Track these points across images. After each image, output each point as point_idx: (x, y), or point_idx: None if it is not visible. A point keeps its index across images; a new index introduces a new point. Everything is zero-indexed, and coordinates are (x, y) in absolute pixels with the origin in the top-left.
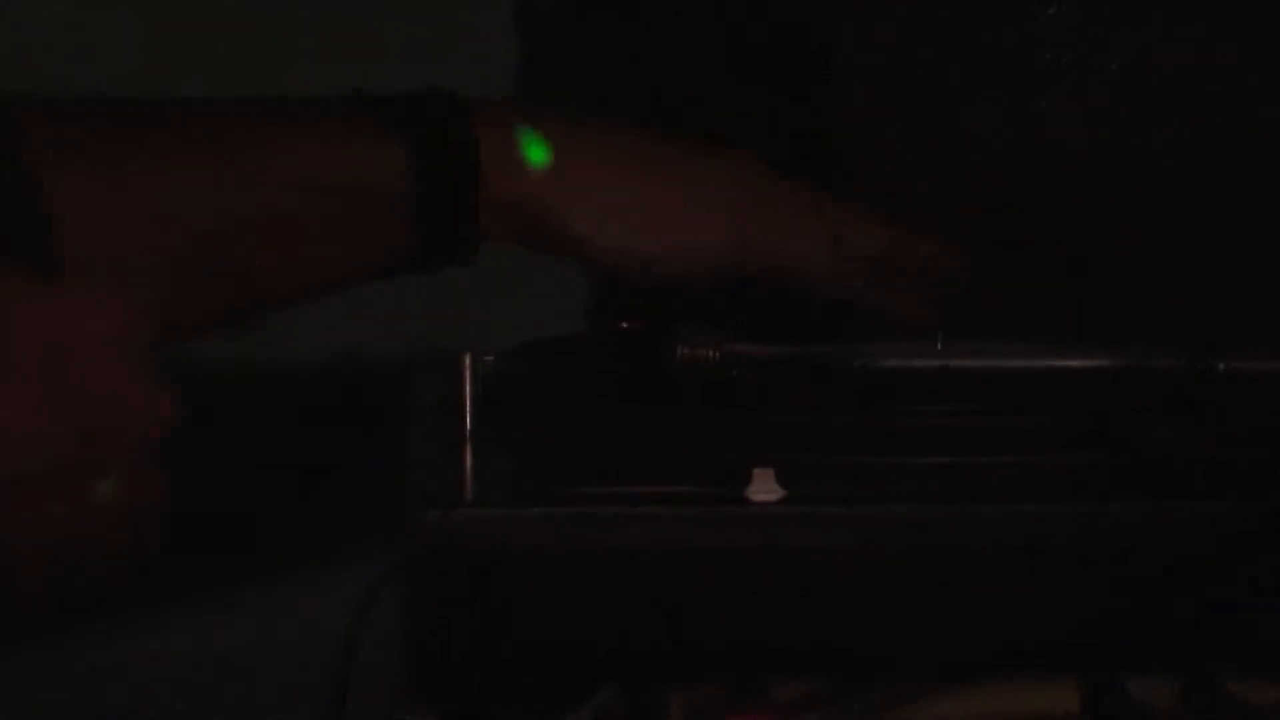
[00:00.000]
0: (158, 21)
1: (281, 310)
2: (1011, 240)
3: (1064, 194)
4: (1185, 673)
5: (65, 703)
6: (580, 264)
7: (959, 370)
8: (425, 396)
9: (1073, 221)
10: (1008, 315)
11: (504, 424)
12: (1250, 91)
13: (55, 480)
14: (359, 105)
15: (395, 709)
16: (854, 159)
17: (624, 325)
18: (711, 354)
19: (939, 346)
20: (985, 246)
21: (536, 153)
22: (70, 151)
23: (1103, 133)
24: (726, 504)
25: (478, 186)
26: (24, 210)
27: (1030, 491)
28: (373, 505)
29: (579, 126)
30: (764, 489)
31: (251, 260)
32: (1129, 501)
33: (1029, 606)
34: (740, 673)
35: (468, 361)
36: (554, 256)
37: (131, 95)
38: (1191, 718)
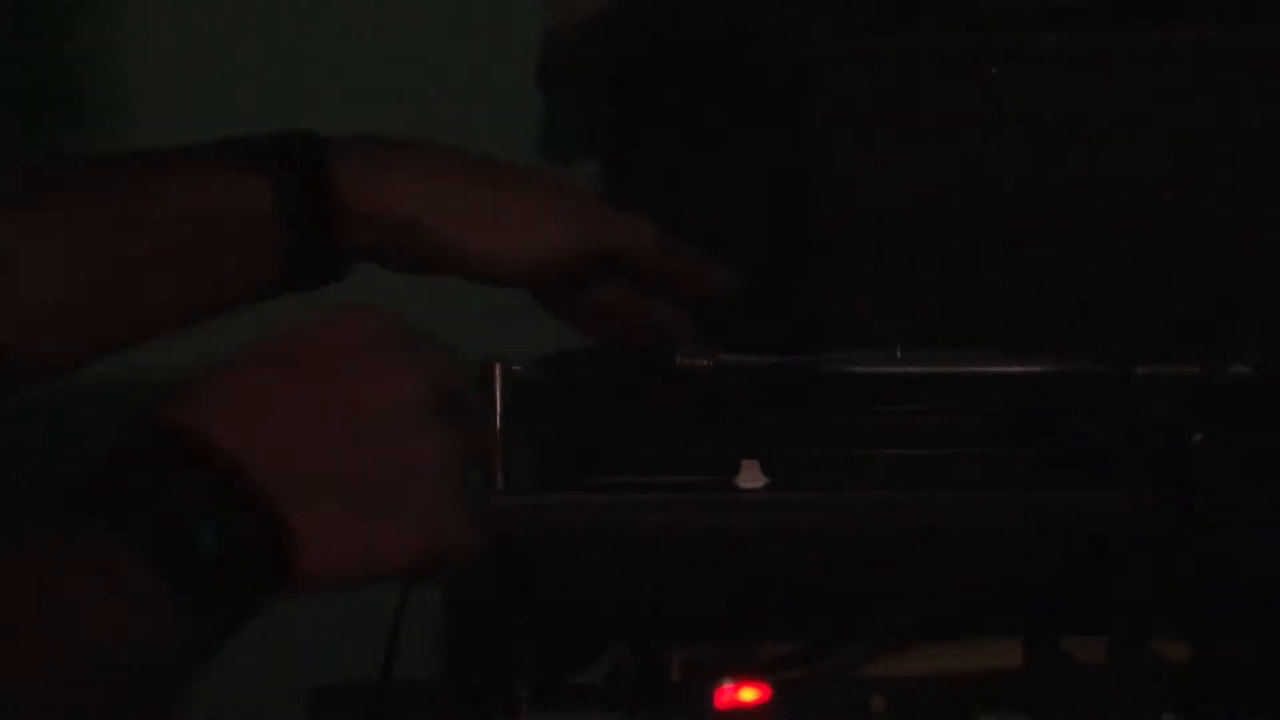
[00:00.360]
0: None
1: (167, 335)
2: (964, 264)
3: (1007, 225)
4: (1111, 632)
5: None
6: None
7: (917, 375)
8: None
9: (1014, 247)
10: (961, 328)
11: (529, 424)
12: (1156, 133)
13: None
14: (230, 148)
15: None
16: (826, 199)
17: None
18: (706, 363)
19: (899, 355)
20: (944, 270)
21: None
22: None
23: (1037, 171)
24: (719, 490)
25: (334, 207)
26: None
27: (976, 479)
28: None
29: (436, 151)
30: (750, 477)
31: (142, 293)
32: (1060, 489)
33: (979, 577)
34: (732, 635)
35: (498, 370)
36: (421, 273)
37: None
38: (1120, 671)
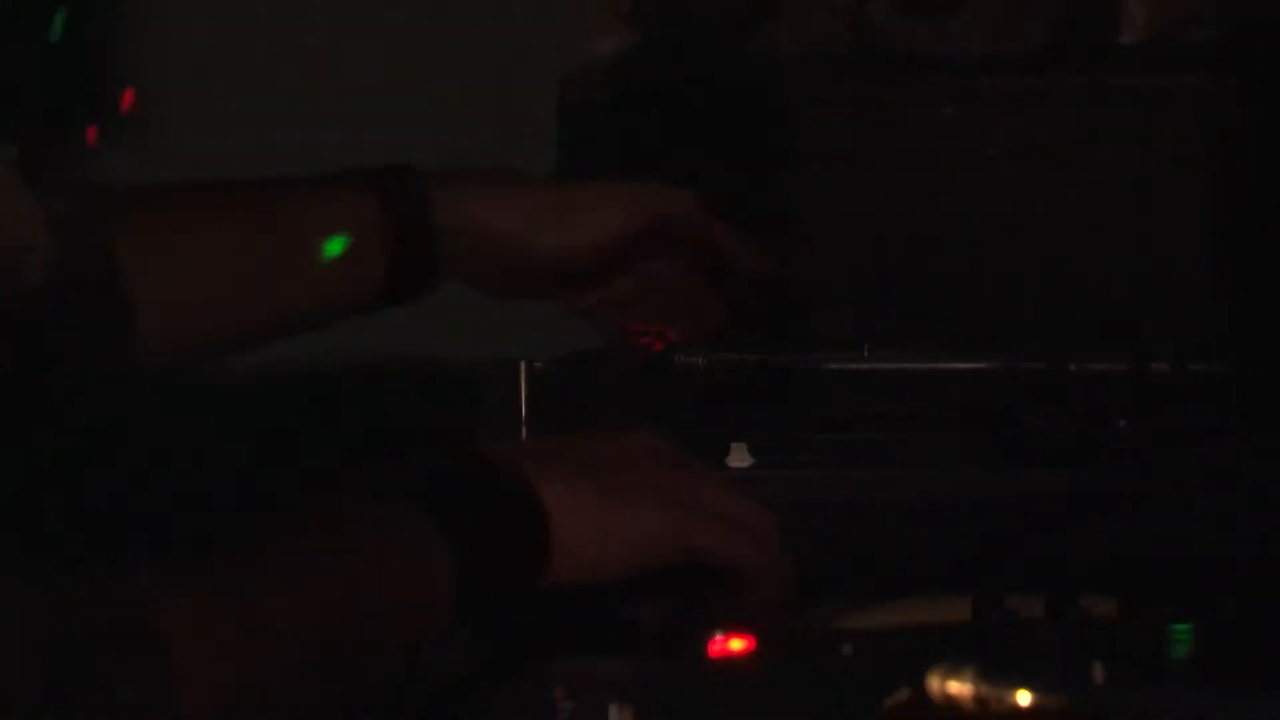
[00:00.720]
0: None
1: (277, 341)
2: (921, 277)
3: (958, 243)
4: (1048, 591)
5: None
6: (514, 275)
7: (881, 371)
8: (493, 391)
9: (964, 262)
10: (919, 332)
11: (549, 414)
12: (1083, 163)
13: None
14: (343, 175)
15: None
16: (806, 222)
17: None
18: (700, 361)
19: (866, 354)
20: (905, 282)
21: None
22: (144, 231)
23: (983, 197)
24: (712, 470)
25: (429, 222)
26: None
27: (932, 460)
28: None
29: (506, 174)
30: (739, 458)
31: (268, 295)
32: (1004, 467)
33: (934, 543)
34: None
35: (523, 368)
36: (503, 292)
37: None
38: (1056, 624)
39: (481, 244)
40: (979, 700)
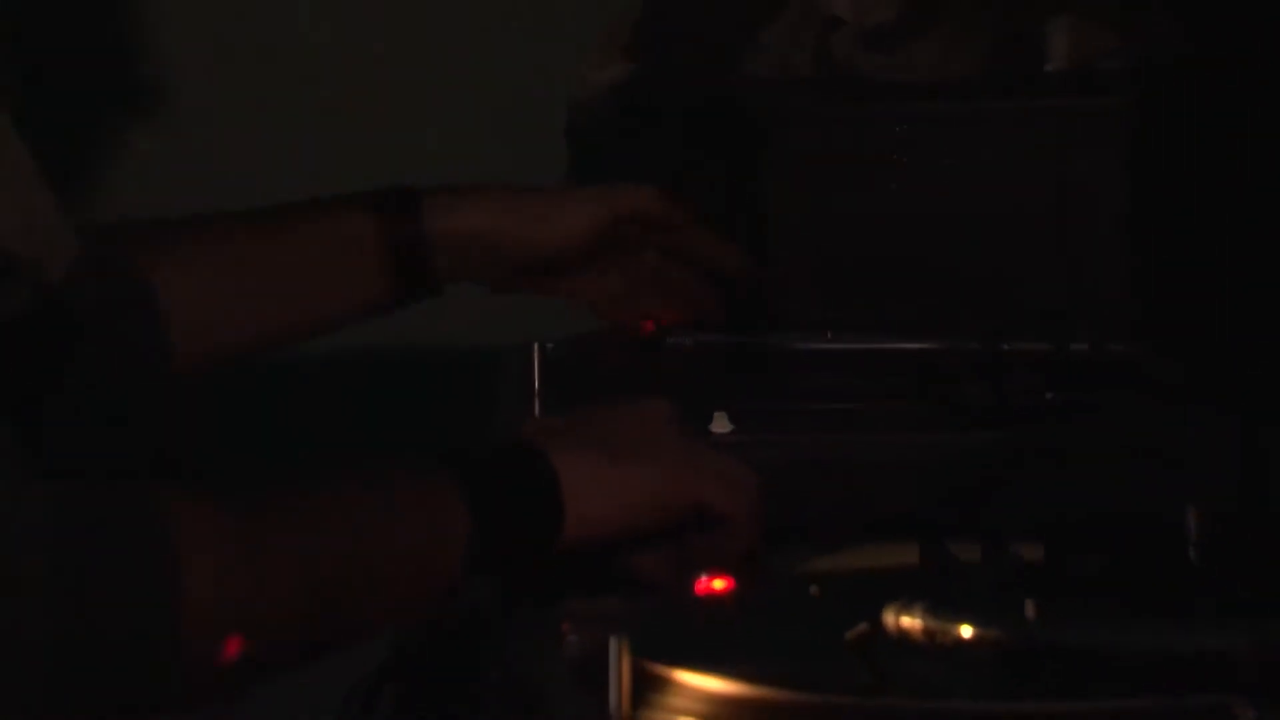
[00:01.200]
0: None
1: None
2: (877, 271)
3: (909, 242)
4: (985, 538)
5: None
6: (508, 271)
7: (842, 351)
8: (512, 366)
9: (914, 259)
10: (874, 317)
11: (556, 389)
12: (1019, 175)
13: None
14: (344, 197)
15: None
16: (777, 224)
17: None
18: (689, 342)
19: (829, 336)
20: (862, 275)
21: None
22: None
23: (931, 204)
24: (697, 434)
25: (423, 231)
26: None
27: (886, 426)
28: None
29: (495, 185)
30: (720, 425)
31: (285, 301)
32: (947, 432)
33: (888, 497)
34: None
35: (536, 349)
36: (500, 286)
37: None
38: (992, 568)
39: (473, 247)
40: (927, 632)
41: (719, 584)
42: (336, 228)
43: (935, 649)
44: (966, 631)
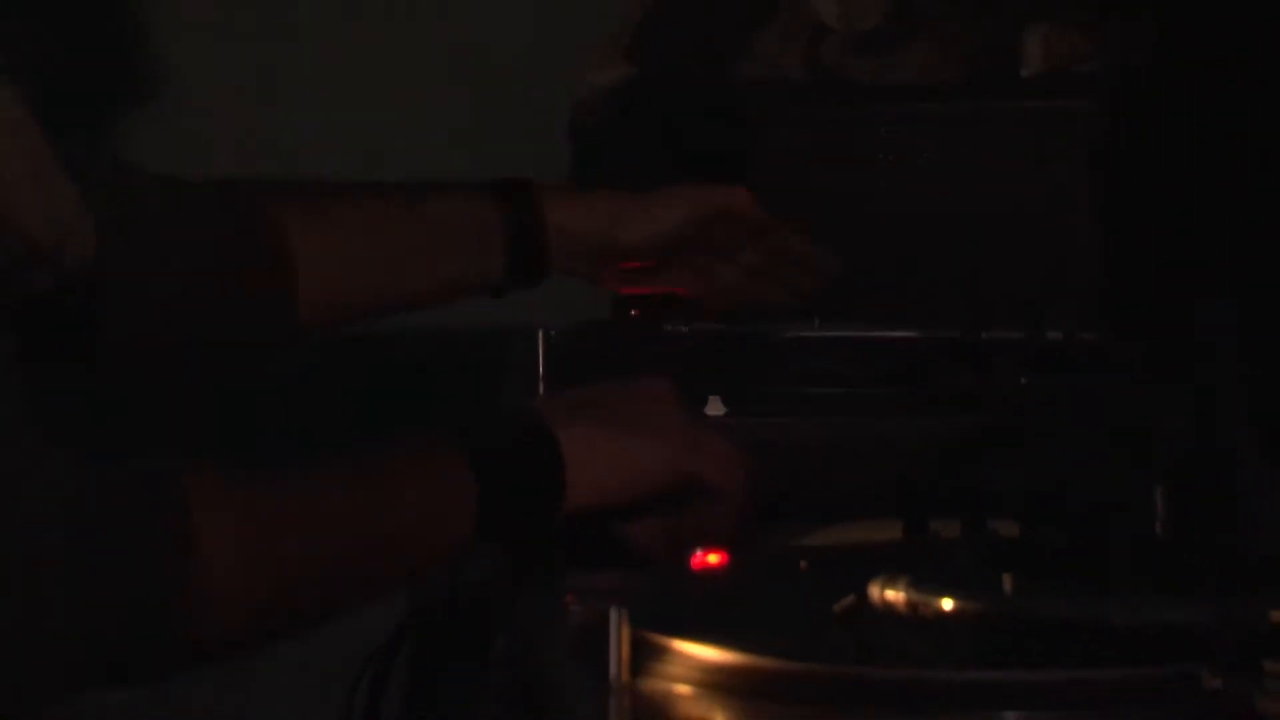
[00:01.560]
0: None
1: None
2: (862, 263)
3: (892, 236)
4: (964, 516)
5: None
6: (610, 264)
7: (829, 339)
8: (517, 352)
9: (897, 252)
10: (860, 307)
11: (561, 374)
12: (996, 172)
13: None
14: (472, 185)
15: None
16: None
17: (633, 313)
18: (686, 330)
19: (816, 324)
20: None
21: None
22: (311, 212)
23: (912, 200)
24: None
25: (542, 223)
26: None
27: (871, 410)
28: None
29: (599, 187)
30: (714, 408)
31: (407, 273)
32: (928, 416)
33: (873, 477)
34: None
35: (541, 335)
36: (594, 278)
37: None
38: (970, 544)
39: (583, 242)
40: (910, 605)
41: (713, 558)
42: (465, 209)
43: (918, 621)
44: (947, 604)
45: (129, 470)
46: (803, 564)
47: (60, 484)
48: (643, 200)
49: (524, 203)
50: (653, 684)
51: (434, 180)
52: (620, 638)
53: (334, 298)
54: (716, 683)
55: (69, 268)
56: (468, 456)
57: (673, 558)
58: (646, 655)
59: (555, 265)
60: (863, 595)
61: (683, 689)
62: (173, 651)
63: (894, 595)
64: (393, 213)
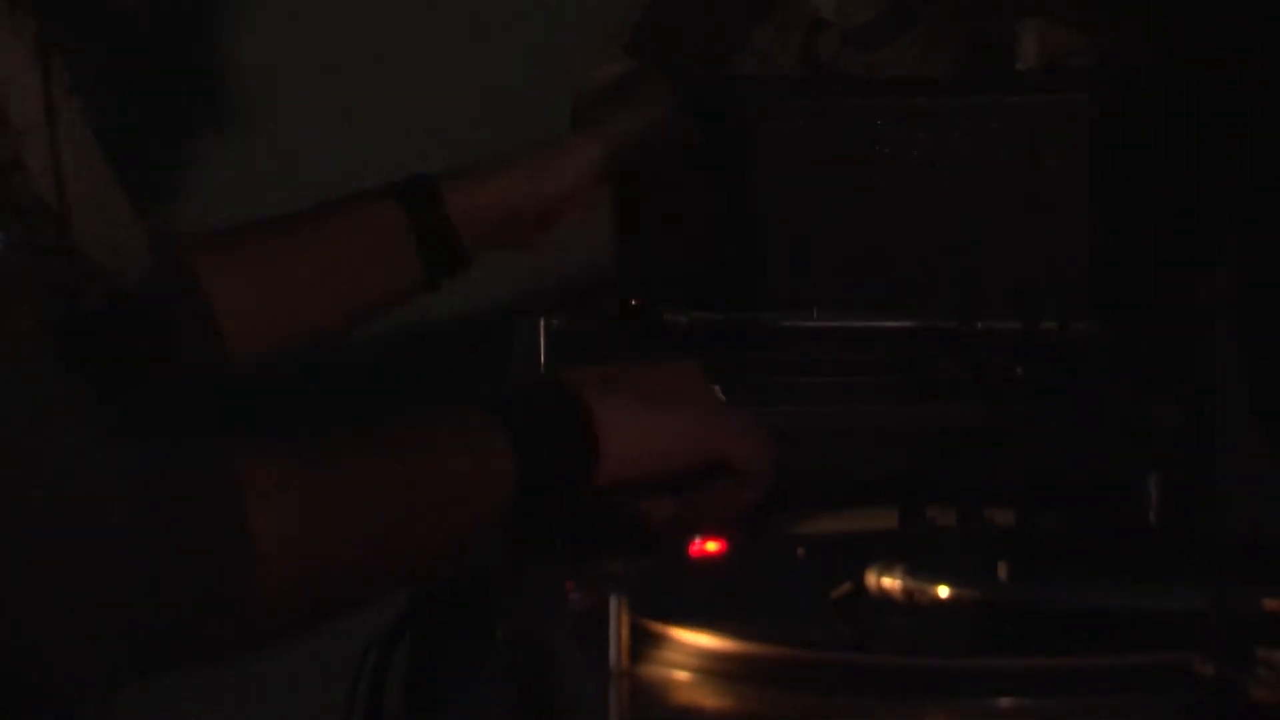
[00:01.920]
0: None
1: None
2: (859, 254)
3: (888, 228)
4: (959, 503)
5: None
6: (516, 230)
7: (827, 328)
8: (525, 337)
9: (893, 242)
10: (857, 297)
11: (560, 361)
12: (988, 165)
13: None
14: (372, 189)
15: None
16: (765, 212)
17: (633, 302)
18: (684, 319)
19: (814, 314)
20: (846, 258)
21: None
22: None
23: (907, 192)
24: None
25: (445, 211)
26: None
27: (868, 398)
28: None
29: (501, 158)
30: None
31: (327, 293)
32: (925, 404)
33: (869, 464)
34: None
35: (542, 323)
36: (520, 243)
37: None
38: (966, 531)
39: (490, 219)
40: (906, 592)
41: (712, 546)
42: (368, 219)
43: (914, 608)
44: (943, 591)
45: (188, 454)
46: (800, 552)
47: (124, 471)
48: (546, 153)
49: (424, 198)
50: (652, 671)
51: (341, 197)
52: (620, 625)
53: (263, 331)
54: (715, 670)
55: (123, 288)
56: (502, 427)
57: (680, 536)
58: (646, 642)
59: (478, 247)
60: (860, 583)
61: (682, 676)
62: (237, 631)
63: (891, 583)
64: (299, 240)
